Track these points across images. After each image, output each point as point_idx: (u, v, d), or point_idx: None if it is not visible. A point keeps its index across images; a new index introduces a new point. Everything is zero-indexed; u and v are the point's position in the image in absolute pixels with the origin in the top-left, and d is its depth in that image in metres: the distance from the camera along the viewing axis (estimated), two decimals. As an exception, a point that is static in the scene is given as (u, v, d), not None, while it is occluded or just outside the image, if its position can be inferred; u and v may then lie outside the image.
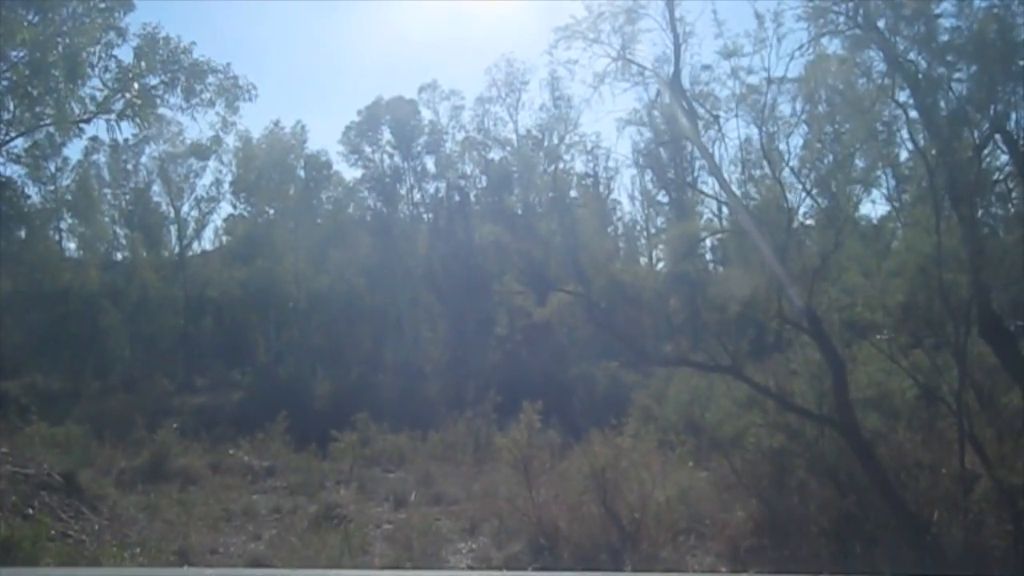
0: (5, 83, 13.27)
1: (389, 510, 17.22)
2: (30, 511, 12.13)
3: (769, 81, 13.59)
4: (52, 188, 40.34)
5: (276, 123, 45.37)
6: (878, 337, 13.38)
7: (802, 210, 14.09)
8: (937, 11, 12.96)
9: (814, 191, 14.32)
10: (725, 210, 17.05)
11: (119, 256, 43.47)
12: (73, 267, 39.21)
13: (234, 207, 45.17)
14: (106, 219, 43.14)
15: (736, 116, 13.41)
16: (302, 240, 42.55)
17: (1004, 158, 13.77)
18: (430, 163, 45.96)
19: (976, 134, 13.12)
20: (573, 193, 42.19)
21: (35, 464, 14.08)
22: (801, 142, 14.75)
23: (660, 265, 38.54)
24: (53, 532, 11.67)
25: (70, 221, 42.22)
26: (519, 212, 44.06)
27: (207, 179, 44.47)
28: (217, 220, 45.87)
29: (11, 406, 22.30)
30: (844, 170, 14.78)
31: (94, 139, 37.30)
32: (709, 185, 42.78)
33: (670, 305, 13.57)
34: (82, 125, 16.13)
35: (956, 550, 11.47)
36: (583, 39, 13.66)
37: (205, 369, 39.99)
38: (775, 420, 12.90)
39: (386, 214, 45.41)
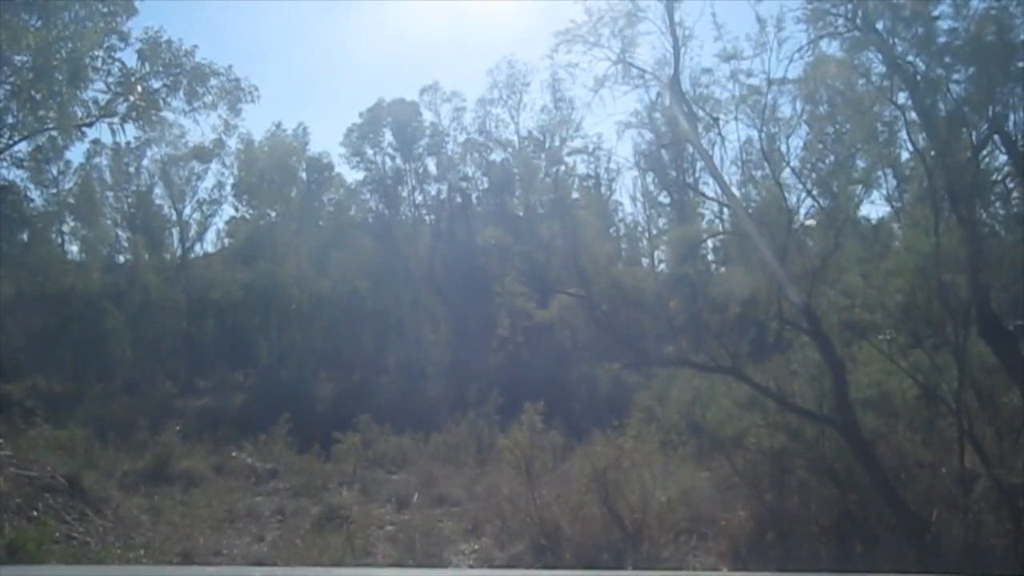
0: (8, 87, 13.34)
1: (392, 511, 17.27)
2: (35, 513, 12.22)
3: (769, 83, 13.68)
4: (54, 191, 40.57)
5: (278, 125, 45.52)
6: (878, 337, 13.43)
7: (802, 211, 14.17)
8: (935, 13, 13.03)
9: (814, 192, 14.39)
10: (726, 211, 17.12)
11: (121, 259, 43.55)
12: (75, 270, 39.31)
13: (236, 209, 45.30)
14: (108, 222, 43.22)
15: (736, 118, 13.52)
16: (304, 242, 42.64)
17: (1003, 159, 13.85)
18: (432, 165, 46.06)
19: (974, 135, 13.17)
20: (575, 195, 42.34)
21: (39, 466, 14.15)
22: (801, 143, 14.84)
23: (662, 266, 38.67)
24: (58, 534, 11.76)
25: (72, 224, 42.36)
26: (520, 214, 44.11)
27: (209, 181, 44.58)
28: (219, 222, 46.06)
29: (15, 409, 22.34)
30: (844, 171, 14.85)
31: (96, 142, 37.45)
32: (711, 187, 43.07)
33: (671, 306, 13.60)
34: (84, 128, 16.18)
35: (956, 549, 11.52)
36: (583, 43, 13.74)
37: (208, 371, 40.04)
38: (776, 420, 12.95)
39: (388, 216, 45.47)
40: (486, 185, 46.59)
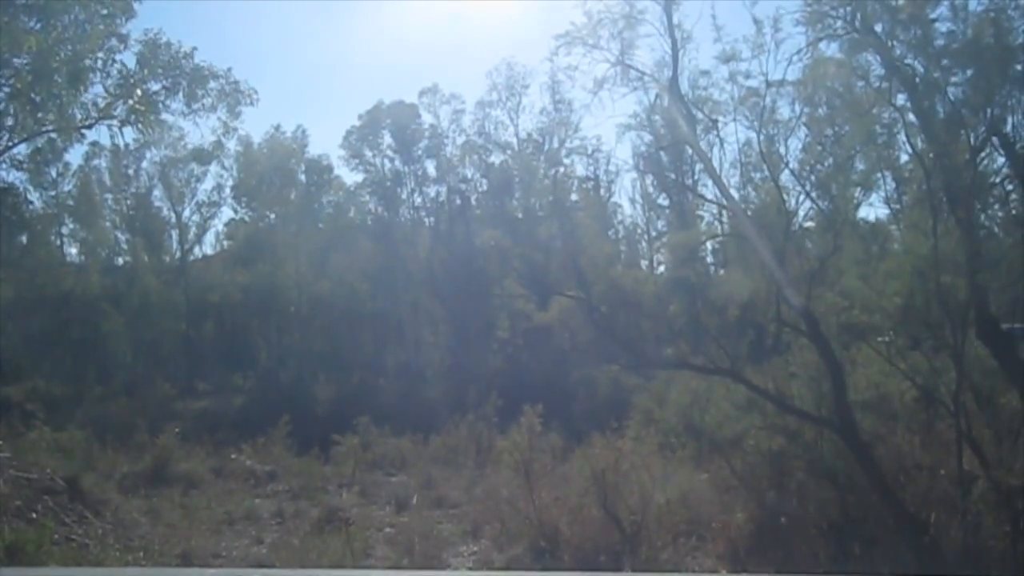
0: (8, 90, 13.35)
1: (391, 513, 17.28)
2: (34, 515, 12.21)
3: (768, 85, 13.70)
4: (53, 193, 40.52)
5: (277, 127, 45.50)
6: (877, 340, 13.44)
7: (801, 213, 14.17)
8: (933, 15, 13.05)
9: (813, 194, 14.39)
10: (725, 213, 17.11)
11: (120, 261, 43.50)
12: (75, 272, 39.32)
13: (235, 211, 45.28)
14: (107, 224, 43.21)
15: (735, 120, 13.53)
16: (303, 244, 42.60)
17: (1001, 161, 13.87)
18: (431, 167, 45.97)
19: (973, 137, 13.19)
20: (574, 196, 42.35)
21: (38, 469, 14.15)
22: (800, 146, 14.85)
23: (661, 269, 38.69)
24: (57, 536, 11.75)
25: (71, 226, 42.33)
26: (520, 216, 44.11)
27: (208, 184, 44.54)
28: (218, 225, 46.04)
29: (15, 411, 22.35)
30: (842, 173, 14.86)
31: (95, 144, 37.45)
32: (709, 188, 43.12)
33: (670, 309, 13.61)
34: (84, 131, 16.18)
35: (954, 551, 11.54)
36: (583, 45, 13.77)
37: (207, 373, 40.01)
38: (774, 422, 12.96)
39: (387, 218, 45.45)
40: (485, 187, 46.56)
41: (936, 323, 13.02)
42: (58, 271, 38.38)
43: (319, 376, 37.36)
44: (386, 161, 45.40)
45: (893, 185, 16.86)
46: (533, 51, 64.23)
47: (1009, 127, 13.06)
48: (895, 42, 13.68)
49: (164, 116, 16.93)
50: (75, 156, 40.63)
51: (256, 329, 42.84)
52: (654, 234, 45.89)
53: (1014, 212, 14.19)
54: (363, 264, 42.02)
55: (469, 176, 46.70)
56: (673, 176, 41.91)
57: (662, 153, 29.22)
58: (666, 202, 44.82)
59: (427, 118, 45.45)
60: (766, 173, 14.27)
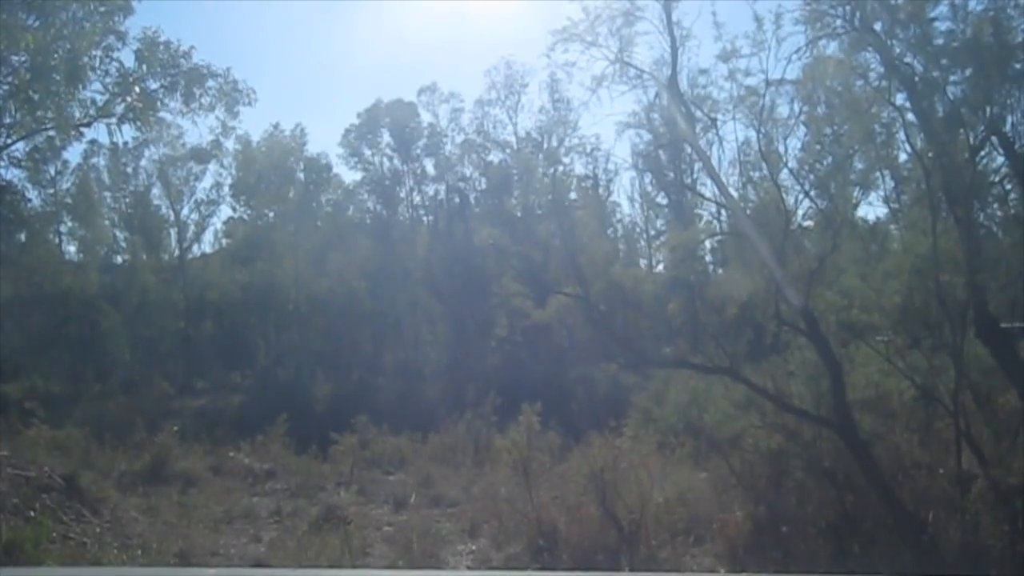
0: (6, 87, 13.32)
1: (389, 512, 17.27)
2: (32, 513, 12.19)
3: (767, 83, 13.67)
4: (52, 191, 40.50)
5: (276, 126, 45.52)
6: (876, 339, 13.43)
7: (800, 212, 14.14)
8: (932, 14, 13.03)
9: (812, 193, 14.37)
10: (724, 212, 17.07)
11: (119, 259, 43.53)
12: (73, 270, 39.25)
13: (234, 210, 45.29)
14: (106, 222, 43.20)
15: (734, 119, 13.50)
16: (302, 243, 42.59)
17: (1000, 160, 13.85)
18: (429, 165, 46.09)
19: (972, 136, 13.17)
20: (573, 195, 42.33)
21: (36, 467, 14.13)
22: (799, 144, 14.82)
23: (659, 267, 38.67)
24: (55, 534, 11.73)
25: (70, 224, 42.28)
26: (518, 215, 44.14)
27: (207, 182, 44.56)
28: (217, 223, 46.02)
29: (13, 409, 22.32)
30: (842, 172, 14.84)
31: (93, 142, 37.53)
32: (708, 187, 43.08)
33: (669, 307, 13.59)
34: (82, 129, 16.17)
35: (953, 550, 11.54)
36: (581, 42, 13.73)
37: (205, 372, 40.02)
38: (773, 421, 12.95)
39: (386, 217, 45.50)
40: (484, 186, 46.58)
41: (935, 322, 13.02)
42: (57, 269, 38.32)
43: (317, 374, 37.33)
44: (385, 160, 45.52)
45: (892, 184, 16.85)
46: (532, 50, 64.16)
47: (1008, 126, 13.06)
48: (894, 41, 13.66)
49: (162, 114, 16.89)
50: (74, 154, 40.56)
51: (255, 327, 42.86)
52: (652, 233, 45.91)
53: (1013, 211, 14.18)
54: (362, 263, 42.05)
55: (468, 175, 46.78)
56: (672, 175, 42.05)
57: (661, 152, 29.27)
58: (665, 201, 44.86)
59: (426, 117, 45.61)
60: (765, 172, 14.24)
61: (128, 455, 20.67)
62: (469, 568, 13.15)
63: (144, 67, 16.18)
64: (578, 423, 19.52)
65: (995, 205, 14.20)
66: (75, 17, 14.42)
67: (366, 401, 27.75)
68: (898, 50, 13.62)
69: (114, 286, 39.57)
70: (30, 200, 37.61)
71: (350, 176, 46.52)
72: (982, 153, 13.35)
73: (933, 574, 10.74)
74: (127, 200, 43.46)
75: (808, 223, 15.14)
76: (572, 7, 13.82)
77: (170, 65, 16.72)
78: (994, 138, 13.19)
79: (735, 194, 13.93)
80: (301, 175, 46.57)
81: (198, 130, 18.19)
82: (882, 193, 17.36)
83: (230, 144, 40.12)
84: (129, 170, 43.13)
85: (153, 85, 16.54)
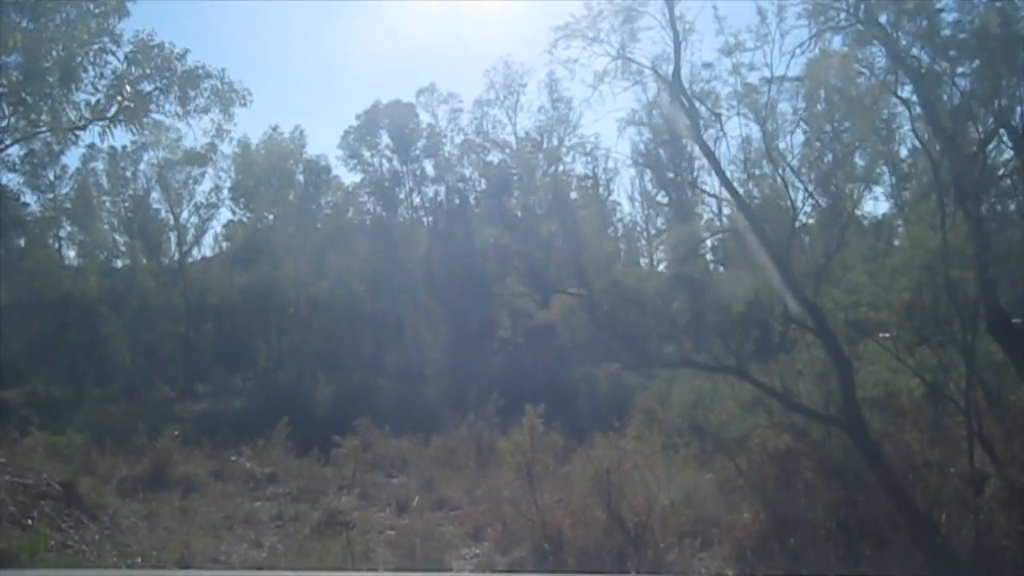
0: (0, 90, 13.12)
1: (392, 515, 17.10)
2: (29, 522, 11.99)
3: (771, 79, 13.45)
4: (51, 196, 40.34)
5: (275, 128, 45.37)
6: (883, 336, 13.21)
7: (806, 208, 13.90)
8: (939, 5, 12.83)
9: (816, 189, 14.13)
10: (726, 210, 16.86)
11: (119, 263, 43.29)
12: (73, 275, 39.05)
13: (233, 213, 45.10)
14: (105, 226, 42.92)
15: (738, 114, 13.29)
16: (302, 245, 42.40)
17: (1009, 153, 13.59)
18: (429, 167, 45.99)
19: (980, 129, 12.97)
20: (573, 195, 42.19)
21: (34, 474, 13.93)
22: (803, 140, 14.59)
23: (661, 266, 38.46)
24: (52, 542, 11.54)
25: (69, 229, 42.10)
26: (519, 215, 44.00)
27: (206, 185, 44.34)
28: (217, 226, 45.84)
29: (11, 416, 22.18)
30: (846, 168, 14.63)
31: (92, 147, 37.45)
32: (709, 185, 42.91)
33: (673, 306, 13.38)
34: (78, 132, 15.98)
35: (967, 551, 11.33)
36: (582, 38, 13.53)
37: (206, 375, 39.77)
38: (781, 421, 12.74)
39: (386, 218, 45.37)
40: (484, 186, 46.47)
41: (945, 318, 12.81)
42: (56, 274, 38.11)
43: (318, 377, 37.16)
44: (384, 161, 45.39)
45: (896, 180, 16.59)
46: (531, 49, 63.91)
47: (1017, 118, 12.82)
48: (900, 33, 13.45)
49: (157, 117, 16.67)
50: (72, 159, 40.32)
51: (255, 330, 42.65)
52: (653, 232, 45.71)
53: (1023, 205, 13.95)
54: (362, 264, 41.89)
55: (467, 175, 46.65)
56: (672, 174, 41.87)
57: (661, 150, 29.05)
58: (665, 199, 44.71)
59: (425, 117, 45.49)
60: (768, 168, 14.04)
61: (129, 460, 20.54)
62: (472, 572, 12.97)
63: (135, 69, 15.94)
64: (580, 424, 19.37)
65: (1004, 199, 13.94)
66: (69, 19, 14.23)
67: (368, 403, 27.57)
68: (904, 43, 13.41)
69: (114, 290, 39.37)
70: (27, 204, 37.68)
71: (350, 178, 46.41)
72: (991, 146, 13.14)
73: (946, 576, 10.55)
74: (126, 204, 43.23)
75: (813, 220, 14.91)
76: (574, 4, 13.63)
77: (164, 68, 16.52)
78: (1003, 131, 12.98)
79: (739, 190, 13.60)
80: (300, 177, 46.43)
81: (193, 133, 17.92)
82: (888, 188, 17.13)
83: (228, 148, 39.99)
84: (128, 174, 42.94)
85: (148, 87, 16.33)
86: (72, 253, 42.74)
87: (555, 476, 15.41)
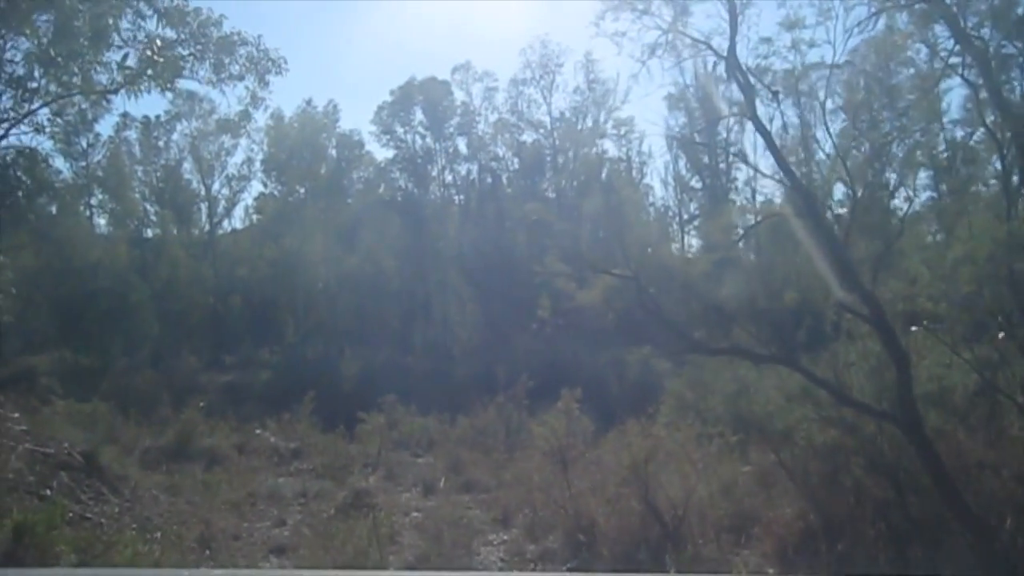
0: (28, 47, 12.78)
1: (418, 496, 16.73)
2: (47, 492, 11.68)
3: (834, 56, 12.73)
4: (84, 164, 40.39)
5: (308, 102, 45.42)
6: (940, 328, 12.52)
7: (863, 192, 13.17)
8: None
9: (874, 174, 13.40)
10: (759, 196, 16.14)
11: (149, 233, 43.35)
12: (103, 243, 39.12)
13: (265, 186, 45.04)
14: (137, 196, 42.97)
15: (796, 92, 12.60)
16: (332, 220, 42.31)
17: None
18: (462, 145, 45.72)
19: (1052, 114, 12.25)
20: (603, 178, 41.60)
21: (55, 443, 13.63)
22: (852, 123, 13.81)
23: (694, 252, 37.75)
24: (71, 514, 11.21)
25: (101, 197, 42.15)
26: (552, 196, 43.54)
27: (238, 157, 44.38)
28: (248, 199, 45.81)
29: (35, 383, 22.08)
30: (906, 152, 13.92)
31: (125, 115, 37.35)
32: (744, 172, 42.17)
33: (721, 292, 12.76)
34: (109, 97, 15.68)
35: (1022, 556, 10.72)
36: (631, 10, 12.92)
37: (233, 347, 39.82)
38: (829, 415, 12.14)
39: (417, 195, 45.14)
40: (517, 166, 46.04)
41: (1005, 311, 12.13)
42: (87, 242, 38.16)
43: (345, 352, 37.03)
44: (417, 138, 45.16)
45: (960, 165, 15.81)
46: (568, 29, 63.17)
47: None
48: (967, 13, 12.75)
49: (192, 84, 16.32)
50: (105, 127, 40.37)
51: (283, 304, 42.54)
52: (686, 217, 45.01)
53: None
54: (392, 241, 41.68)
55: (501, 154, 46.24)
56: (706, 160, 41.14)
57: (697, 135, 28.32)
58: (699, 184, 44.06)
59: (459, 95, 45.20)
60: (828, 150, 13.34)
61: (153, 431, 20.40)
62: (502, 559, 12.54)
63: (169, 31, 15.59)
64: (609, 408, 18.88)
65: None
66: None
67: (394, 380, 27.30)
68: (971, 23, 12.71)
69: (144, 260, 39.45)
70: (61, 172, 37.62)
71: (382, 154, 46.19)
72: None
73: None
74: (158, 174, 43.26)
75: (870, 205, 14.18)
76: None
77: (199, 34, 16.17)
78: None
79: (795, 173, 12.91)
80: (333, 152, 46.45)
81: (227, 101, 17.56)
82: (946, 175, 16.34)
83: (260, 118, 39.69)
84: (161, 144, 43.01)
85: (183, 52, 15.98)
86: (103, 222, 42.86)
87: (585, 461, 14.93)
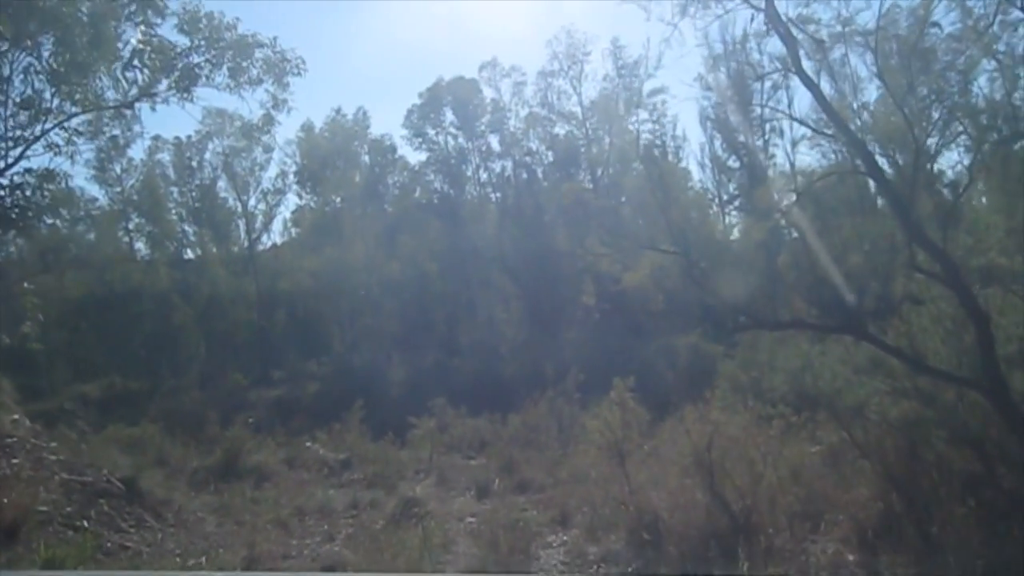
0: (28, 60, 12.45)
1: (471, 500, 16.14)
2: (84, 523, 11.26)
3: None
4: (119, 189, 40.63)
5: (338, 111, 45.40)
6: (1016, 286, 11.55)
7: (930, 143, 12.15)
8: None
9: (940, 123, 12.36)
10: (837, 153, 15.10)
11: (189, 253, 43.51)
12: (143, 267, 39.27)
13: (300, 197, 45.02)
14: (174, 217, 43.18)
15: (844, 41, 11.67)
16: (370, 227, 42.17)
17: None
18: (495, 142, 45.24)
19: None
20: (639, 165, 40.84)
21: (94, 471, 13.24)
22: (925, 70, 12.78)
23: (735, 233, 36.71)
24: (109, 544, 10.78)
25: (138, 221, 42.30)
26: (589, 186, 42.90)
27: (272, 171, 44.31)
28: (285, 212, 45.86)
29: (74, 412, 22.02)
30: (968, 98, 12.88)
31: (156, 138, 37.53)
32: (781, 148, 41.03)
33: (779, 260, 11.92)
34: (127, 112, 15.37)
35: None
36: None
37: (280, 362, 39.71)
38: (903, 385, 11.25)
39: (453, 196, 44.73)
40: (551, 159, 45.42)
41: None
42: (127, 267, 38.33)
43: (393, 358, 36.69)
44: (449, 138, 44.82)
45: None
46: (592, 16, 62.30)
47: None
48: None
49: (209, 90, 15.96)
50: (138, 152, 40.50)
51: (328, 315, 42.49)
52: (725, 198, 43.90)
53: None
54: (431, 243, 41.42)
55: (534, 148, 45.62)
56: (742, 138, 40.00)
57: (730, 114, 27.24)
58: (736, 164, 42.99)
59: (488, 92, 44.68)
60: (887, 103, 12.33)
61: (201, 451, 20.13)
62: (562, 563, 11.86)
63: (190, 39, 15.27)
64: (662, 396, 18.18)
65: None
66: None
67: (442, 383, 26.99)
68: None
69: (185, 281, 39.54)
70: (96, 198, 37.89)
71: (415, 157, 45.87)
72: None
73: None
74: (193, 194, 43.37)
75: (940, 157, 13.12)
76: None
77: (215, 39, 15.81)
78: None
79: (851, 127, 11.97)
80: (366, 158, 46.36)
81: (247, 106, 17.17)
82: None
83: (285, 121, 39.68)
84: (194, 164, 43.06)
85: (197, 59, 15.64)
86: (142, 245, 43.03)
87: (642, 453, 14.16)
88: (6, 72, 12.61)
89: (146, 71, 13.64)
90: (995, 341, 10.63)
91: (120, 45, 12.76)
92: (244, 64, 16.16)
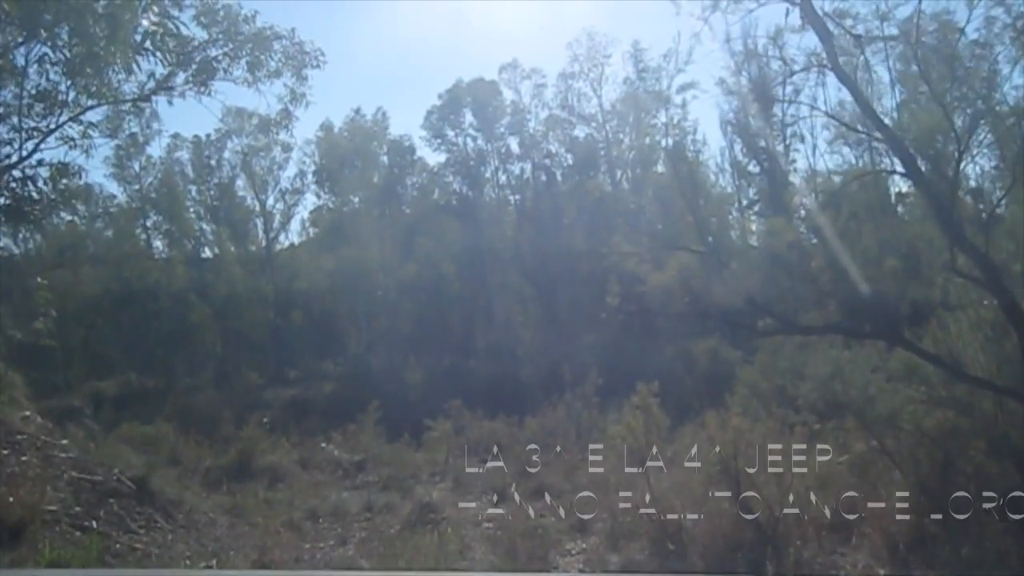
0: (43, 51, 12.26)
1: (488, 505, 15.78)
2: (93, 523, 10.99)
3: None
4: (137, 187, 40.57)
5: (357, 111, 45.21)
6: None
7: (966, 146, 11.68)
8: None
9: (984, 122, 11.90)
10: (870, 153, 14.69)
11: (207, 252, 43.36)
12: (161, 265, 39.17)
13: (318, 197, 44.82)
14: (192, 215, 43.05)
15: (882, 36, 11.28)
16: (388, 228, 41.95)
17: None
18: (514, 144, 44.86)
19: None
20: (659, 168, 40.45)
21: (105, 469, 12.97)
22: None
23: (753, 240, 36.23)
24: (118, 546, 10.52)
25: (156, 219, 42.20)
26: (609, 189, 42.59)
27: (291, 171, 44.14)
28: (303, 212, 45.65)
29: (85, 410, 21.90)
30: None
31: (175, 136, 37.44)
32: (803, 153, 40.56)
33: (812, 264, 11.53)
34: (143, 105, 15.19)
35: None
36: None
37: (296, 361, 39.51)
38: (939, 394, 10.86)
39: (472, 198, 44.46)
40: (571, 162, 45.09)
41: None
42: (144, 265, 38.24)
43: (409, 360, 36.37)
44: (468, 140, 44.50)
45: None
46: (613, 17, 61.85)
47: None
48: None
49: (226, 84, 15.75)
50: (156, 150, 40.42)
51: (344, 315, 42.20)
52: (744, 203, 43.42)
53: None
54: (449, 245, 41.06)
55: (553, 151, 45.31)
56: (763, 143, 39.54)
57: (751, 118, 26.78)
58: (757, 169, 42.50)
59: (508, 94, 44.35)
60: (923, 100, 11.92)
61: (215, 450, 19.91)
62: (581, 571, 11.54)
63: (207, 32, 15.08)
64: (681, 401, 17.84)
65: None
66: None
67: (459, 385, 26.65)
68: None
69: (202, 279, 39.37)
70: (114, 196, 37.91)
71: (434, 158, 45.55)
72: None
73: None
74: (212, 193, 43.26)
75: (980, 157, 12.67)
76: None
77: (232, 32, 15.62)
78: None
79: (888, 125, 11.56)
80: (385, 159, 46.19)
81: (265, 100, 16.95)
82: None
83: (303, 116, 39.38)
84: (212, 162, 42.91)
85: (214, 52, 15.44)
86: (159, 243, 42.95)
87: (664, 459, 13.80)
88: (21, 63, 12.50)
89: (159, 56, 13.40)
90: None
91: (137, 37, 12.53)
92: (262, 57, 15.96)
